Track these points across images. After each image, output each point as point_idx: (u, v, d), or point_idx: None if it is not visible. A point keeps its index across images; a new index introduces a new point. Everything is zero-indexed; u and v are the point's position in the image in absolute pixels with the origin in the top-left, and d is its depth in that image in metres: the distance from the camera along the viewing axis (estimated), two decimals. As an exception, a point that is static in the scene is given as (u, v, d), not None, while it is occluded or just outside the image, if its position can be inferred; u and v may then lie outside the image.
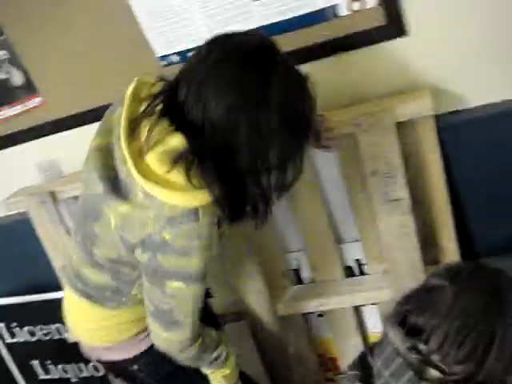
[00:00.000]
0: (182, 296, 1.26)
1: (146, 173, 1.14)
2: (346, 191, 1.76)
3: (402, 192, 1.61)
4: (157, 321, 1.31)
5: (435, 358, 1.10)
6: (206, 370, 1.48)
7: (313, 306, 1.88)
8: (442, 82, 1.64)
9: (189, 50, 1.70)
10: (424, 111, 1.55)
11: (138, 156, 1.16)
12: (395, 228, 1.66)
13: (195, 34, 1.68)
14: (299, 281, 1.96)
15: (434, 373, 1.11)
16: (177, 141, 1.15)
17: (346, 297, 1.84)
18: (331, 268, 1.86)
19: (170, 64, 1.75)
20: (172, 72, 1.24)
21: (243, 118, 1.12)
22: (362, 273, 1.90)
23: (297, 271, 1.94)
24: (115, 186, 1.21)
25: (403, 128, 1.61)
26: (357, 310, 1.93)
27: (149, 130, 1.15)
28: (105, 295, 1.41)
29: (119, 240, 1.26)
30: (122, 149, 1.17)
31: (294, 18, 1.61)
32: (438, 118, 1.63)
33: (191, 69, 1.18)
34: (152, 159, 1.14)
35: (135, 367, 1.52)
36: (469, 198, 1.76)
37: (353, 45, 1.62)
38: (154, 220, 1.17)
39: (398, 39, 1.60)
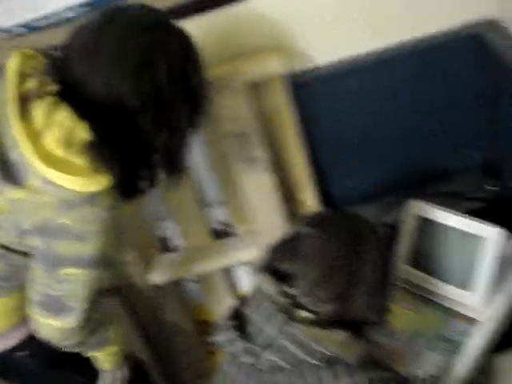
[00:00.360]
0: (76, 282, 1.23)
1: (44, 157, 1.08)
2: (206, 154, 1.79)
3: (259, 151, 1.67)
4: (44, 309, 1.27)
5: (305, 300, 1.15)
6: (92, 353, 1.46)
7: (185, 271, 1.91)
8: (291, 42, 1.70)
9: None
10: (273, 71, 1.62)
11: (34, 139, 1.09)
12: (256, 187, 1.72)
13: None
14: (170, 249, 1.98)
15: (304, 314, 1.15)
16: (72, 120, 1.11)
17: (215, 259, 1.88)
18: (199, 233, 1.90)
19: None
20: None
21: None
22: (230, 234, 1.94)
23: (167, 240, 1.95)
24: (5, 170, 1.14)
25: (256, 88, 1.67)
26: (228, 272, 1.98)
27: (44, 110, 1.10)
28: None
29: (11, 225, 1.22)
30: (14, 131, 1.09)
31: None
32: (290, 78, 1.70)
33: (83, 44, 1.14)
34: (50, 142, 1.09)
35: (25, 353, 1.45)
36: (325, 153, 1.86)
37: (201, 8, 1.64)
38: (52, 205, 1.13)
39: (247, 1, 1.65)
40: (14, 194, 1.15)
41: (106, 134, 1.13)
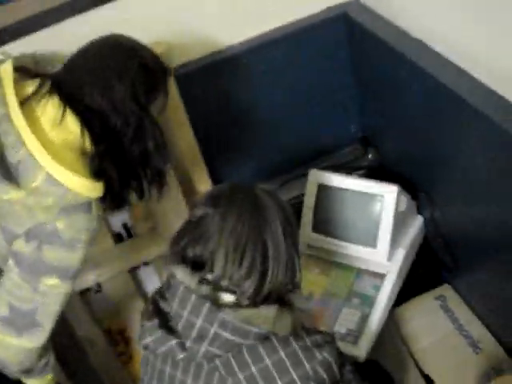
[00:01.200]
0: (54, 295, 1.23)
1: (53, 154, 1.11)
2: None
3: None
4: (8, 326, 1.22)
5: (224, 283, 1.15)
6: (29, 381, 1.37)
7: (90, 279, 1.85)
8: (172, 36, 1.72)
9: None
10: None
11: (42, 138, 1.12)
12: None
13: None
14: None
15: (227, 297, 1.15)
16: (74, 126, 1.17)
17: (118, 262, 1.85)
18: (102, 238, 1.84)
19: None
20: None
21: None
22: (131, 236, 1.93)
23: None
24: (4, 170, 1.12)
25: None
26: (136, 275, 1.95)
27: (51, 112, 1.16)
28: None
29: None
30: (21, 130, 1.11)
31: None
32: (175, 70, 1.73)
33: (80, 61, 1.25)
34: (59, 142, 1.15)
35: None
36: (215, 140, 1.92)
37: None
38: (49, 208, 1.14)
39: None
40: (12, 194, 1.14)
41: (105, 146, 1.20)
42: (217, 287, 1.15)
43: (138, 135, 1.25)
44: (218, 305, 1.13)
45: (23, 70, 1.22)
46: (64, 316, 1.81)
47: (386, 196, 1.63)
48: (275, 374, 1.13)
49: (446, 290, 1.81)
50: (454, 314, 1.74)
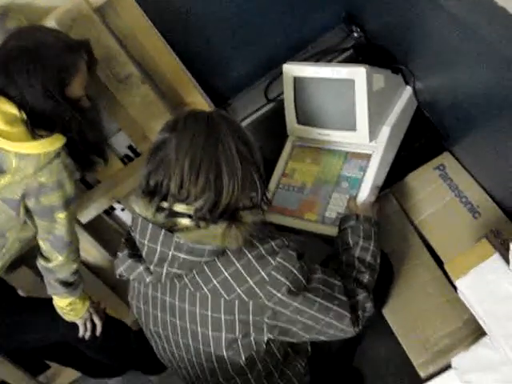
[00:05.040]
0: (68, 220, 1.57)
1: (10, 138, 1.39)
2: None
3: (128, 68, 1.74)
4: (54, 251, 1.61)
5: (178, 208, 1.23)
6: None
7: (108, 200, 2.01)
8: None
9: None
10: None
11: None
12: (139, 101, 1.80)
13: None
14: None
15: (183, 221, 1.24)
16: (11, 109, 1.42)
17: (131, 179, 1.93)
18: (111, 162, 1.92)
19: None
20: None
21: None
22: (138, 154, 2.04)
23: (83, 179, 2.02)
24: None
25: (107, 12, 1.73)
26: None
27: None
28: None
29: (2, 204, 1.48)
30: None
31: None
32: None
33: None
34: (8, 128, 1.40)
35: None
36: (196, 53, 1.94)
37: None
38: (29, 174, 1.42)
39: None
40: (2, 181, 1.44)
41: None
42: (172, 213, 1.23)
43: (63, 122, 1.48)
44: (174, 230, 1.23)
45: None
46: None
47: (356, 78, 1.62)
48: (234, 284, 1.24)
49: (445, 158, 1.82)
50: (454, 182, 1.76)
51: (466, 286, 1.38)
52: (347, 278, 1.42)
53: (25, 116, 1.43)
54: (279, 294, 1.24)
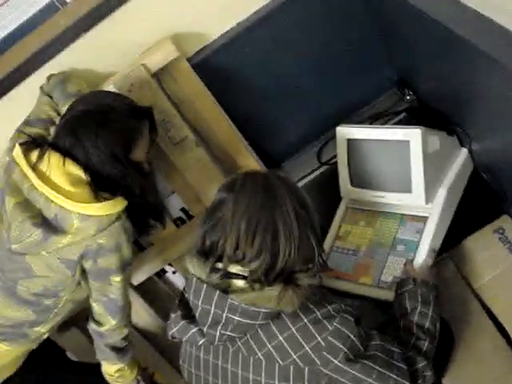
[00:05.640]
0: (122, 285, 1.57)
1: (74, 199, 1.40)
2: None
3: (184, 131, 1.77)
4: (106, 314, 1.60)
5: (234, 269, 1.22)
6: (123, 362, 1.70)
7: (159, 263, 2.01)
8: (180, 28, 1.80)
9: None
10: (170, 57, 1.72)
11: (58, 191, 1.41)
12: (193, 164, 1.82)
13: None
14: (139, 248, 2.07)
15: (238, 283, 1.22)
16: (75, 170, 1.44)
17: (182, 243, 1.94)
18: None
19: None
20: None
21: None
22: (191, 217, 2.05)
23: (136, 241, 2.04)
24: (48, 226, 1.42)
25: (164, 77, 1.77)
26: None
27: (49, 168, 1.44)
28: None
29: (59, 264, 1.48)
30: (44, 191, 1.41)
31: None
32: (192, 59, 1.81)
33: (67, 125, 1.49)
34: (69, 187, 1.42)
35: None
36: (249, 117, 1.97)
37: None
38: (89, 235, 1.44)
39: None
40: (63, 241, 1.44)
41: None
42: (227, 274, 1.21)
43: (126, 185, 1.51)
44: (228, 291, 1.21)
45: (26, 144, 1.50)
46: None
47: (411, 139, 1.61)
48: (289, 349, 1.20)
49: (505, 221, 1.76)
50: (514, 245, 1.69)
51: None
52: (406, 345, 1.36)
53: (89, 178, 1.45)
54: (336, 361, 1.19)
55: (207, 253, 1.25)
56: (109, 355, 1.66)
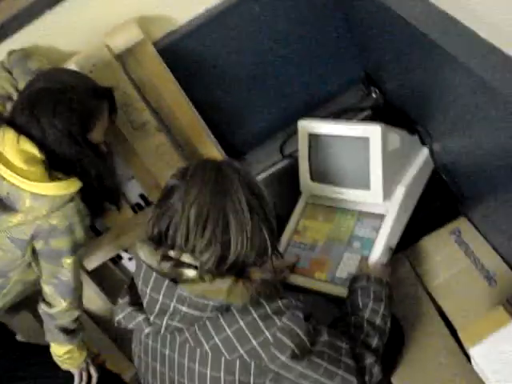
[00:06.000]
0: (75, 267, 1.55)
1: (26, 177, 1.37)
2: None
3: (145, 116, 1.74)
4: (57, 296, 1.58)
5: (185, 258, 1.19)
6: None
7: (115, 248, 1.98)
8: (147, 10, 1.76)
9: None
10: (135, 39, 1.69)
11: (12, 168, 1.39)
12: (153, 150, 1.80)
13: None
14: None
15: (189, 272, 1.19)
16: (30, 148, 1.41)
17: (139, 229, 1.88)
18: (122, 210, 1.93)
19: None
20: None
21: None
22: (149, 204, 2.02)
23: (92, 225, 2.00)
24: (1, 204, 1.40)
25: (128, 60, 1.74)
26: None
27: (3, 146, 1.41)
28: None
29: (9, 243, 1.45)
30: None
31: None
32: (158, 43, 1.78)
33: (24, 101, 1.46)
34: (22, 165, 1.39)
35: None
36: (214, 105, 1.94)
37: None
38: (41, 215, 1.41)
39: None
40: (14, 220, 1.42)
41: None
42: (178, 263, 1.19)
43: (82, 166, 1.49)
44: (178, 281, 1.18)
45: None
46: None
47: (371, 137, 1.60)
48: (236, 343, 1.18)
49: (462, 222, 1.77)
50: (470, 248, 1.71)
51: (480, 354, 1.31)
52: (355, 341, 1.36)
53: (44, 157, 1.42)
54: (283, 358, 1.18)
55: (159, 240, 1.22)
56: (58, 336, 1.64)
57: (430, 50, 1.32)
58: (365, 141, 1.61)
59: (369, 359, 1.33)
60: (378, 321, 1.41)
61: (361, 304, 1.44)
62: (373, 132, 1.60)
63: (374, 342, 1.37)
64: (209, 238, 1.16)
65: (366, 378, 1.31)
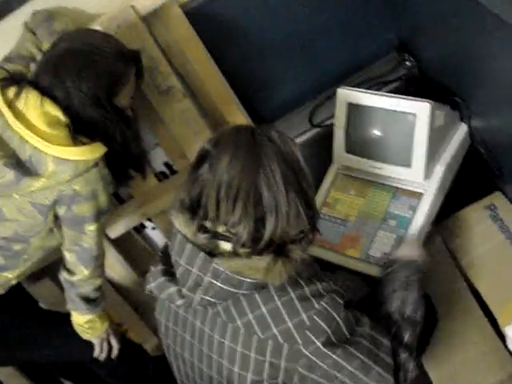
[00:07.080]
0: (97, 234, 1.51)
1: (49, 141, 1.32)
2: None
3: (171, 80, 1.68)
4: (80, 263, 1.55)
5: (221, 229, 1.13)
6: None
7: (138, 217, 1.93)
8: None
9: None
10: (161, 0, 1.61)
11: (36, 132, 1.33)
12: (179, 116, 1.74)
13: None
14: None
15: (224, 245, 1.14)
16: (54, 111, 1.35)
17: (164, 198, 1.86)
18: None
19: None
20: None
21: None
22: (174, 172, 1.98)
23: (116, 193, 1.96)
24: (21, 167, 1.35)
25: (154, 22, 1.67)
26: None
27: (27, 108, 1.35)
28: None
29: (31, 208, 1.41)
30: (19, 129, 1.33)
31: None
32: (185, 5, 1.70)
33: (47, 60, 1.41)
34: (48, 130, 1.33)
35: None
36: (242, 71, 1.88)
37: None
38: (64, 180, 1.36)
39: None
40: (36, 185, 1.37)
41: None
42: (214, 234, 1.13)
43: (107, 131, 1.43)
44: (213, 254, 1.13)
45: (4, 80, 1.41)
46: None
47: (419, 114, 1.53)
48: (270, 322, 1.13)
49: (497, 197, 1.72)
50: (504, 223, 1.67)
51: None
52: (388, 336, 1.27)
53: (68, 120, 1.36)
54: (318, 343, 1.12)
55: (193, 210, 1.15)
56: (79, 305, 1.61)
57: (475, 13, 1.24)
58: (411, 117, 1.55)
59: (402, 354, 1.25)
60: (408, 311, 1.32)
61: (392, 290, 1.35)
62: (421, 109, 1.53)
63: (407, 334, 1.29)
64: (240, 213, 1.09)
65: (400, 373, 1.23)
